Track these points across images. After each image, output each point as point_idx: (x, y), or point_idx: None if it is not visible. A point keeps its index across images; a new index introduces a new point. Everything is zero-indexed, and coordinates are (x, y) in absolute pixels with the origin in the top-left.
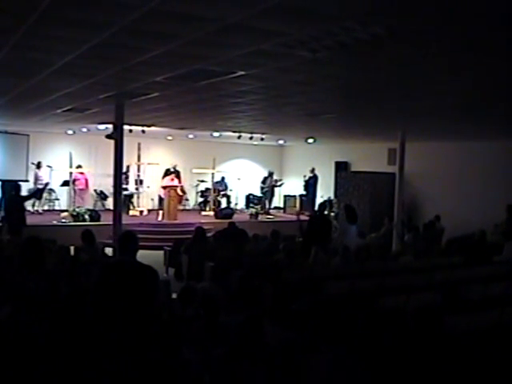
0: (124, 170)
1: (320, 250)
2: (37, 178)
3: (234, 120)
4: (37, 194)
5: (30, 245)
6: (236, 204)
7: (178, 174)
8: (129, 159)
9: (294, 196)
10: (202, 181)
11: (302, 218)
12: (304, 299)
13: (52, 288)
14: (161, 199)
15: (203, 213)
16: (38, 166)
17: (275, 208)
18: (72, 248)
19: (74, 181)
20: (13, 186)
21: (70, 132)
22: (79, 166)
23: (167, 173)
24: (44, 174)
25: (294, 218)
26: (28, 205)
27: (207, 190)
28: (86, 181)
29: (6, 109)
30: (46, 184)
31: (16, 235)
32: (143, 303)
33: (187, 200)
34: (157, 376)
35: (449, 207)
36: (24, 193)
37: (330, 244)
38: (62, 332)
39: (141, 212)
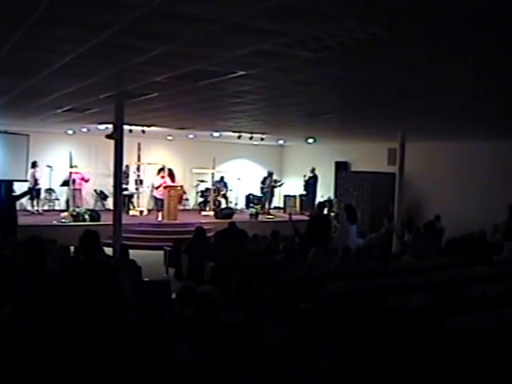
0: (124, 169)
1: (319, 250)
2: (34, 178)
3: (234, 120)
4: (27, 193)
5: (30, 245)
6: (236, 204)
7: (170, 173)
8: (129, 159)
9: (294, 196)
10: (202, 181)
11: (300, 218)
12: (310, 299)
13: (52, 288)
14: (156, 200)
15: (203, 213)
16: (34, 165)
17: (275, 208)
18: (72, 248)
19: (74, 181)
20: (6, 185)
21: (70, 132)
22: (74, 166)
23: (158, 173)
24: (41, 174)
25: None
26: (27, 205)
27: (207, 189)
28: (83, 180)
29: (6, 109)
30: (35, 181)
31: (9, 235)
32: (107, 297)
33: (187, 200)
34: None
35: (449, 207)
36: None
37: (329, 244)
38: (62, 331)
39: (141, 212)
